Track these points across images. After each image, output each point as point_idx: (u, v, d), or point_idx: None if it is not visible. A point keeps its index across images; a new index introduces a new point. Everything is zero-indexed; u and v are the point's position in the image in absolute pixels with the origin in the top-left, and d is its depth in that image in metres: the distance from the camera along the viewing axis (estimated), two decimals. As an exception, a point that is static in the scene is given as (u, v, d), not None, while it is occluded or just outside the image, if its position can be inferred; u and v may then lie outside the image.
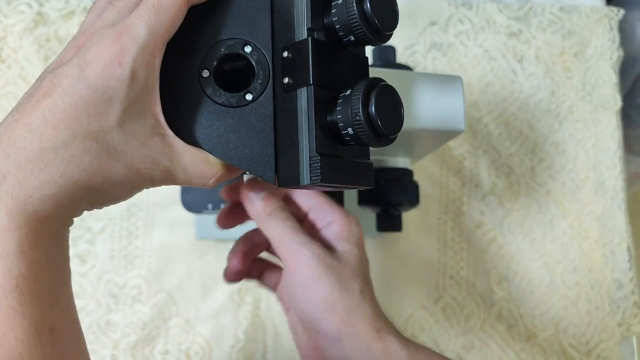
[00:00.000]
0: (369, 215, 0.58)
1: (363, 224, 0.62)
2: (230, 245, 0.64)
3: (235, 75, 0.35)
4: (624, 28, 0.75)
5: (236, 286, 0.64)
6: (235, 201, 0.43)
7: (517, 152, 0.70)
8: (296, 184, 0.32)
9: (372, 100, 0.30)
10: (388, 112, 0.31)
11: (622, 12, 0.73)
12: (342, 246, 0.39)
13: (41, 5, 0.67)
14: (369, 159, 0.34)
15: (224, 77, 0.34)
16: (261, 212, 0.39)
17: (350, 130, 0.31)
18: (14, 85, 0.66)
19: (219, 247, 0.65)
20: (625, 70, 0.81)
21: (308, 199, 0.41)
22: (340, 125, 0.31)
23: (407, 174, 0.53)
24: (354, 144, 0.32)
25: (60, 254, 0.29)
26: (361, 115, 0.30)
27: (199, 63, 0.33)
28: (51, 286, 0.28)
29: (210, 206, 0.52)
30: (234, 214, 0.43)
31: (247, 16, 0.34)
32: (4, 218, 0.26)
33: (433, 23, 0.71)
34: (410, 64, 0.70)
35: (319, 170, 0.30)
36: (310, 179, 0.31)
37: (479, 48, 0.71)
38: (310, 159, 0.31)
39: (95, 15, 0.31)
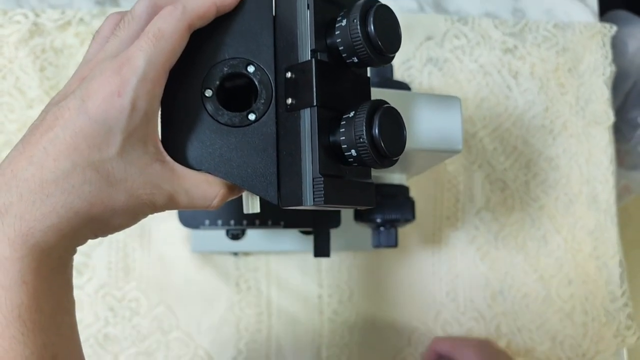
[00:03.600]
0: (365, 231, 0.58)
1: (359, 239, 0.63)
2: (228, 257, 0.65)
3: (236, 92, 0.35)
4: (616, 44, 0.76)
5: (237, 298, 0.64)
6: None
7: (512, 167, 0.71)
8: (299, 204, 0.32)
9: (376, 122, 0.31)
10: (391, 134, 0.31)
11: (614, 28, 0.74)
12: None
13: (37, 15, 0.67)
14: (370, 178, 0.35)
15: (224, 94, 0.34)
16: None
17: (353, 151, 0.31)
18: (9, 96, 0.66)
19: (217, 259, 0.65)
20: (617, 85, 0.82)
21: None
22: (343, 147, 0.31)
23: (403, 190, 0.53)
24: (356, 165, 0.32)
25: (63, 283, 0.29)
26: (365, 137, 0.30)
27: (202, 82, 0.33)
28: (54, 315, 0.28)
29: (207, 222, 0.52)
30: None
31: (249, 35, 0.34)
32: (6, 249, 0.26)
33: (429, 38, 0.71)
34: (406, 78, 0.70)
35: (322, 192, 0.31)
36: (314, 200, 0.31)
37: (474, 63, 0.71)
38: (313, 180, 0.31)
39: (99, 45, 0.32)
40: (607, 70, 0.73)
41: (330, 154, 0.32)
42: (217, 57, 0.33)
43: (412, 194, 0.54)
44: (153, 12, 0.31)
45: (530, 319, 0.68)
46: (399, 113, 0.32)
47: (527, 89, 0.72)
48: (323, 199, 0.31)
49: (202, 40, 0.33)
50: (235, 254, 0.64)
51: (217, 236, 0.59)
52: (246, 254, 0.65)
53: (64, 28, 0.67)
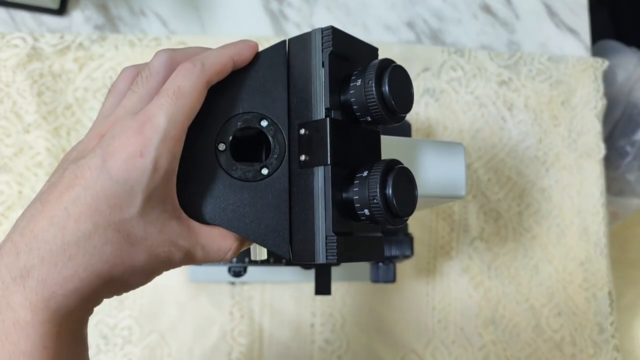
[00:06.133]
0: (362, 263, 0.59)
1: (356, 271, 0.63)
2: (224, 286, 0.65)
3: (246, 140, 0.35)
4: (605, 73, 0.78)
5: (229, 327, 0.64)
6: None
7: (505, 198, 0.72)
8: (311, 260, 0.32)
9: (389, 183, 0.31)
10: (403, 194, 0.32)
11: (606, 63, 0.75)
12: None
13: (36, 40, 0.66)
14: (379, 232, 0.35)
15: (234, 141, 0.34)
16: None
17: (366, 211, 0.31)
18: (5, 120, 0.65)
19: (211, 288, 0.65)
20: (606, 113, 0.83)
21: None
22: (356, 205, 0.32)
23: (402, 227, 0.54)
24: (368, 222, 0.33)
25: (80, 345, 0.29)
26: (378, 198, 0.31)
27: (215, 136, 0.33)
28: None
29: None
30: None
31: (263, 90, 0.34)
32: (27, 314, 0.26)
33: (426, 69, 0.72)
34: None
35: (336, 250, 0.31)
36: (327, 258, 0.31)
37: (470, 95, 0.72)
38: (326, 238, 0.31)
39: (116, 100, 0.31)
40: (598, 104, 0.74)
41: (342, 211, 0.32)
42: (231, 111, 0.33)
43: (409, 221, 0.55)
44: (170, 68, 0.31)
45: (520, 348, 0.69)
46: (411, 173, 0.33)
47: (521, 121, 0.73)
48: (336, 257, 0.31)
49: (217, 95, 0.33)
50: (233, 283, 0.65)
51: (216, 268, 0.59)
52: (243, 282, 0.65)
53: (63, 53, 0.67)
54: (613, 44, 0.93)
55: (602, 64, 0.75)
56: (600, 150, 0.74)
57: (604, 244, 0.72)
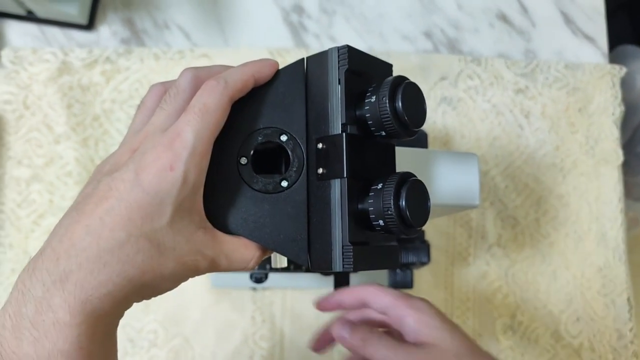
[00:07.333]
0: (381, 271, 0.60)
1: (375, 278, 0.64)
2: (246, 292, 0.66)
3: (265, 152, 0.37)
4: (624, 78, 0.78)
5: (251, 331, 0.66)
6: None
7: (523, 204, 0.72)
8: (328, 269, 0.34)
9: (403, 195, 0.32)
10: (417, 206, 0.33)
11: (624, 70, 0.75)
12: (425, 337, 0.43)
13: (65, 54, 0.69)
14: (394, 241, 0.37)
15: (255, 153, 0.36)
16: (355, 342, 0.43)
17: (381, 222, 0.33)
18: (37, 132, 0.68)
19: (233, 293, 0.67)
20: (625, 119, 0.83)
21: (380, 302, 0.46)
22: (371, 216, 0.33)
23: (419, 234, 0.55)
24: (383, 233, 0.34)
25: (112, 346, 0.31)
26: (392, 209, 0.32)
27: (238, 150, 0.35)
28: None
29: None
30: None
31: (283, 106, 0.36)
32: (66, 315, 0.27)
33: (443, 78, 0.73)
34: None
35: (352, 260, 0.33)
36: (343, 267, 0.33)
37: (487, 103, 0.73)
38: (343, 248, 0.33)
39: (145, 117, 0.33)
40: (616, 110, 0.75)
41: (358, 221, 0.34)
42: (252, 126, 0.35)
43: (426, 229, 0.56)
44: (196, 85, 0.33)
45: (539, 354, 0.70)
46: (424, 185, 0.34)
47: (538, 128, 0.74)
48: (352, 266, 0.33)
49: (239, 110, 0.35)
50: (254, 288, 0.66)
51: (238, 274, 0.61)
52: (264, 288, 0.67)
53: (91, 66, 0.69)
54: (632, 49, 0.93)
55: (619, 70, 0.76)
56: (619, 156, 0.74)
57: (622, 250, 0.72)
